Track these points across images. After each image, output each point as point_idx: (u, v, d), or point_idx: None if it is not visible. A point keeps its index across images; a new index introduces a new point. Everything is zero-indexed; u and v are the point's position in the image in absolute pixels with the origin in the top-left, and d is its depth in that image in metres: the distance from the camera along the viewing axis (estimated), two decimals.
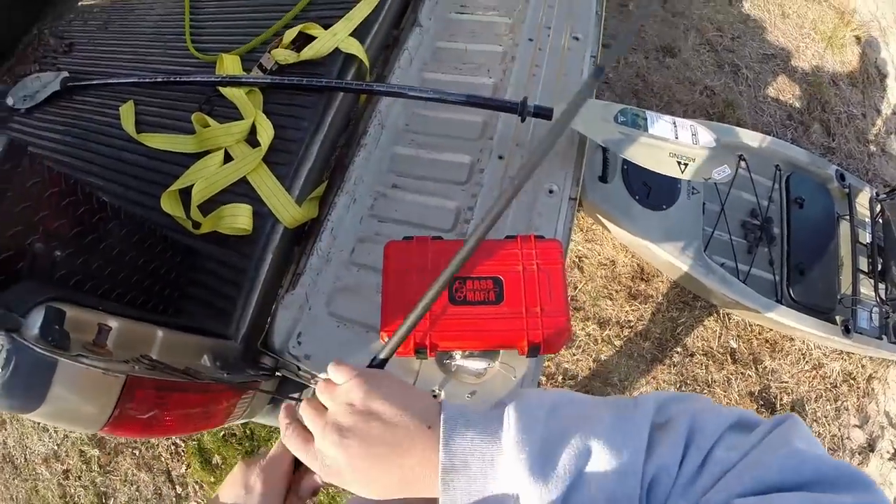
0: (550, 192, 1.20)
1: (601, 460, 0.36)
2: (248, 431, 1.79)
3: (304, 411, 0.48)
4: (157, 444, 1.85)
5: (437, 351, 0.97)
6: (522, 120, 1.20)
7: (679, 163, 1.21)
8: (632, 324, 1.86)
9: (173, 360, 0.90)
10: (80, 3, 1.93)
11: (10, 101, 1.65)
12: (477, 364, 1.04)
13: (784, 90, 2.38)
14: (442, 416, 0.41)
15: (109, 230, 0.98)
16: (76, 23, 1.86)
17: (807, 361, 1.91)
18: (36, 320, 0.71)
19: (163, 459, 1.83)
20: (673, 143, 1.19)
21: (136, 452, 1.84)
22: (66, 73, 1.65)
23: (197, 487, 1.78)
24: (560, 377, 1.74)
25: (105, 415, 0.80)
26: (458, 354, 1.02)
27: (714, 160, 1.19)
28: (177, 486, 1.80)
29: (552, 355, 1.81)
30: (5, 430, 2.02)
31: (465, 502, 0.38)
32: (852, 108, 2.38)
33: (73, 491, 1.88)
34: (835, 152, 2.26)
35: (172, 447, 1.84)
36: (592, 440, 0.37)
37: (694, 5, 2.54)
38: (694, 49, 2.39)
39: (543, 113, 1.21)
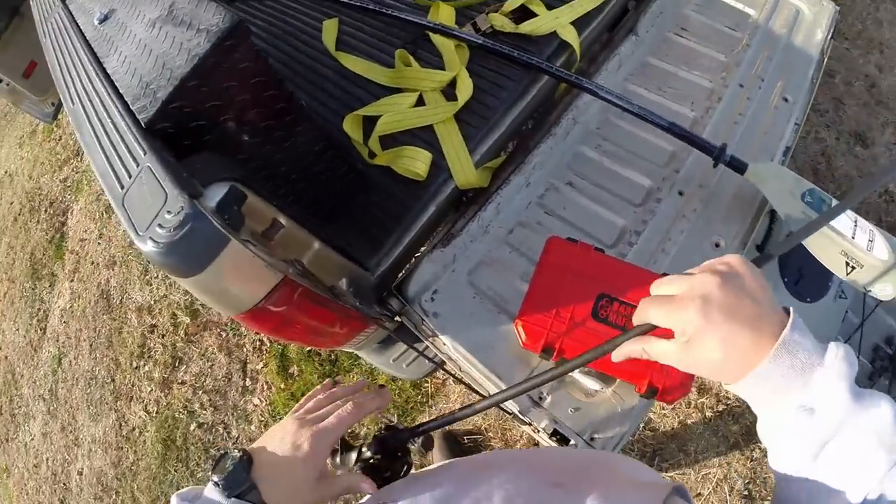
0: (717, 245, 1.16)
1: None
2: (333, 356, 1.85)
3: (666, 283, 0.50)
4: (245, 335, 1.94)
5: (563, 356, 0.96)
6: (715, 165, 1.15)
7: (847, 263, 1.14)
8: (730, 402, 1.77)
9: (318, 272, 0.93)
10: None
11: None
12: (592, 383, 1.03)
13: None
14: (791, 317, 0.45)
15: (297, 131, 1.02)
16: None
17: None
18: (217, 194, 0.74)
19: (244, 350, 1.92)
20: (848, 242, 1.12)
21: (223, 334, 1.96)
22: None
23: (265, 387, 1.87)
24: (641, 425, 1.69)
25: (251, 302, 0.82)
26: None
27: (881, 274, 1.11)
28: (247, 379, 1.89)
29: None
30: (112, 270, 2.17)
31: (773, 386, 0.43)
32: None
33: (152, 345, 2.03)
34: None
35: (258, 342, 1.93)
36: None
37: None
38: (887, 146, 2.19)
39: (737, 165, 1.15)
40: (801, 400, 0.42)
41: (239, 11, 1.65)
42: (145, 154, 0.76)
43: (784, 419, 0.43)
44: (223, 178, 0.77)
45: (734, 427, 1.74)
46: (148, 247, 0.71)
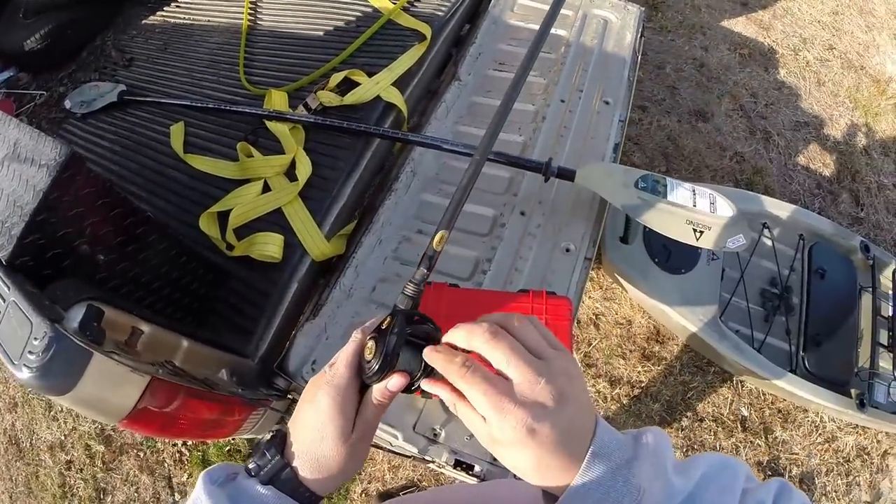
0: (567, 250, 1.25)
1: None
2: (252, 450, 1.83)
3: (478, 377, 0.43)
4: (163, 450, 1.90)
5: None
6: (546, 180, 1.26)
7: (694, 230, 1.24)
8: (643, 384, 1.86)
9: (194, 370, 0.97)
10: (142, 22, 2.05)
11: (67, 104, 1.77)
12: None
13: (815, 158, 2.39)
14: (598, 422, 0.45)
15: (150, 242, 1.06)
16: (138, 39, 1.99)
17: (819, 434, 1.87)
18: (77, 315, 0.80)
19: (166, 465, 1.88)
20: (689, 211, 1.22)
21: (141, 454, 1.90)
22: (123, 86, 1.76)
23: None
24: None
25: (127, 408, 0.87)
26: None
27: (729, 229, 1.21)
28: (176, 493, 1.84)
29: None
30: (16, 412, 2.08)
31: (597, 493, 0.41)
32: (883, 179, 2.36)
33: (73, 482, 1.94)
34: (862, 223, 2.25)
35: (177, 455, 1.89)
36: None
37: (730, 71, 2.58)
38: (727, 114, 2.43)
39: (566, 174, 1.26)
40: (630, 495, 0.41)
41: (90, 129, 1.68)
42: (9, 289, 0.81)
43: None
44: (82, 299, 0.82)
45: (655, 406, 1.83)
46: (23, 373, 0.76)
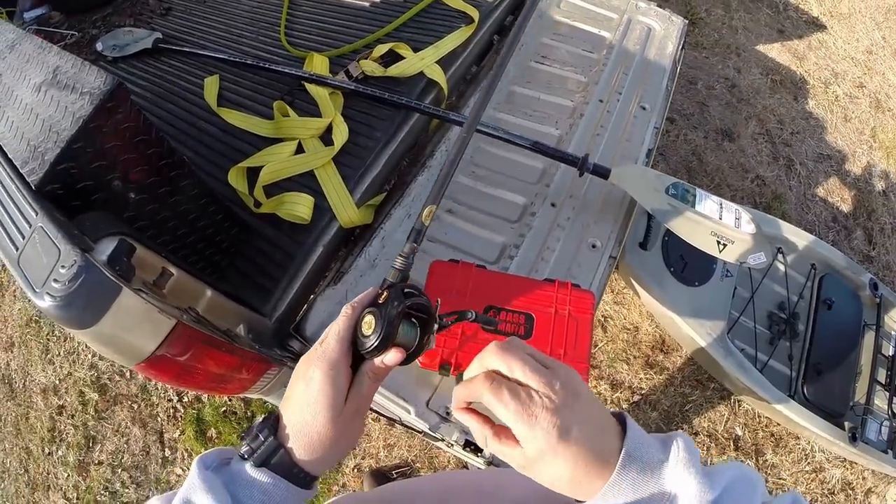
0: (593, 246, 1.25)
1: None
2: (249, 413, 1.83)
3: (507, 393, 0.43)
4: (157, 404, 1.89)
5: (460, 370, 1.01)
6: (581, 174, 1.26)
7: (718, 242, 1.25)
8: (643, 392, 1.87)
9: (215, 320, 0.96)
10: None
11: (99, 46, 1.75)
12: None
13: (833, 192, 2.40)
14: (628, 424, 0.45)
15: (182, 187, 1.05)
16: None
17: (808, 462, 1.89)
18: (107, 248, 0.78)
19: (159, 420, 1.87)
20: (716, 223, 1.23)
21: (135, 406, 1.89)
22: (159, 34, 1.74)
23: (186, 454, 1.81)
24: None
25: (148, 350, 0.85)
26: None
27: (752, 246, 1.22)
28: (166, 449, 1.83)
29: None
30: (11, 352, 2.07)
31: (628, 493, 0.42)
32: None
33: (62, 427, 1.93)
34: (873, 261, 2.26)
35: (171, 410, 1.88)
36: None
37: (760, 95, 2.59)
38: (752, 137, 2.43)
39: (601, 171, 1.26)
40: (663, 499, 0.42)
41: (121, 74, 1.67)
42: (37, 215, 0.79)
43: None
44: (112, 233, 0.81)
45: (653, 414, 1.83)
46: (45, 302, 0.74)
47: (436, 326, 0.57)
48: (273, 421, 0.51)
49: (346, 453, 0.54)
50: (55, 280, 0.74)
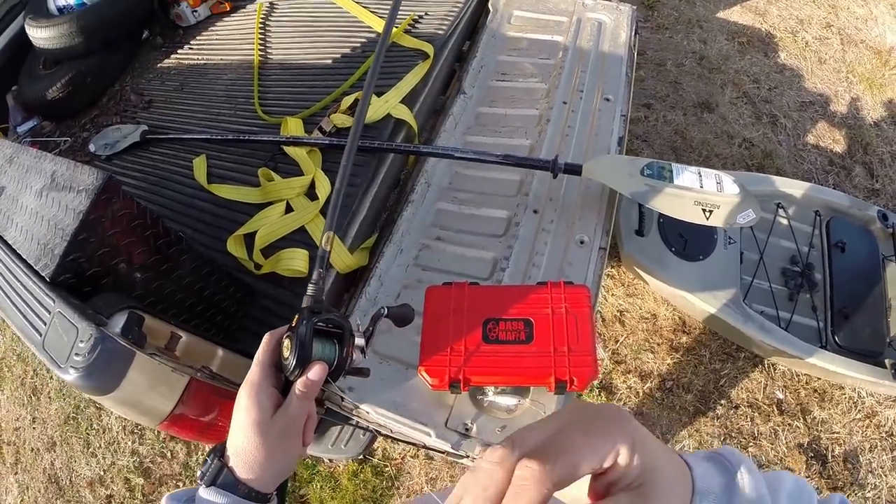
0: (581, 242, 1.28)
1: None
2: (293, 471, 1.87)
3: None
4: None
5: (470, 386, 1.04)
6: (554, 176, 1.30)
7: (703, 210, 1.26)
8: (674, 376, 1.86)
9: (230, 376, 1.03)
10: (158, 65, 2.17)
11: (91, 147, 1.87)
12: (508, 400, 1.11)
13: (824, 136, 2.38)
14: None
15: (182, 261, 1.14)
16: (154, 82, 2.10)
17: (859, 410, 1.84)
18: (119, 321, 0.88)
19: None
20: (697, 192, 1.25)
21: (180, 484, 1.95)
22: (145, 126, 1.85)
23: None
24: None
25: (167, 408, 0.93)
26: (490, 390, 1.08)
27: (738, 206, 1.24)
28: None
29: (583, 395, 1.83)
30: (54, 452, 2.15)
31: None
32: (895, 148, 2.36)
33: None
34: (879, 194, 2.23)
35: None
36: None
37: (730, 60, 2.61)
38: (731, 103, 2.45)
39: (573, 169, 1.31)
40: None
41: (116, 170, 1.77)
42: (54, 302, 0.89)
43: None
44: (123, 308, 0.90)
45: (688, 397, 1.82)
46: (70, 375, 0.84)
47: (354, 338, 0.62)
48: (221, 446, 0.56)
49: (287, 470, 0.58)
50: (76, 354, 0.84)
